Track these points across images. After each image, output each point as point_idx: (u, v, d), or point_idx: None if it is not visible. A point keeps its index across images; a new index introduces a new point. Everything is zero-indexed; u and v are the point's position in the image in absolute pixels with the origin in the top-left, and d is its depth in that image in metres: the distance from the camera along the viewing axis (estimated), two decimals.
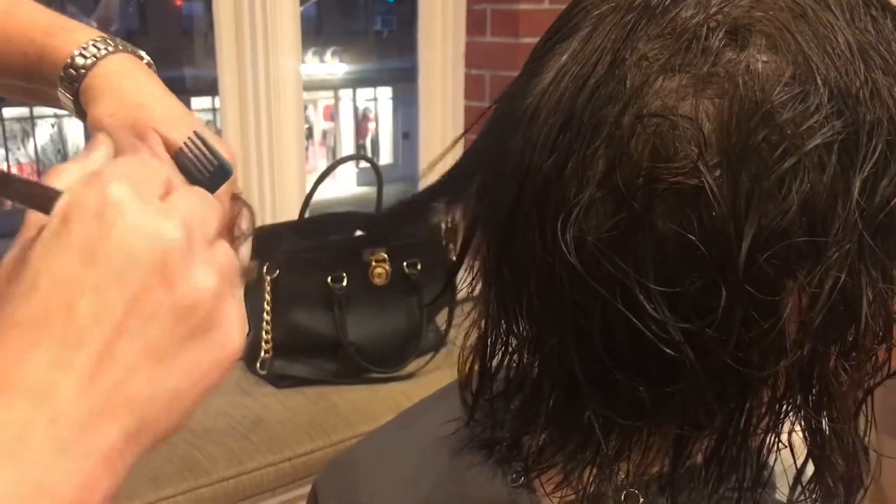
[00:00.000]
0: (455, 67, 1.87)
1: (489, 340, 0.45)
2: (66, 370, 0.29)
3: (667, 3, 0.39)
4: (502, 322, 0.44)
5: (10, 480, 0.28)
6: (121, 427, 0.31)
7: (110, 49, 0.54)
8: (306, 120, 1.53)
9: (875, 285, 0.38)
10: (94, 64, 0.53)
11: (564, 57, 0.40)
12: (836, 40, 0.37)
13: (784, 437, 0.42)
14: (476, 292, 0.47)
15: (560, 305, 0.40)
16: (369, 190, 1.50)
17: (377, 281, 1.39)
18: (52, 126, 10.09)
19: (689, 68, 0.37)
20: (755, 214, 0.35)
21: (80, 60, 0.53)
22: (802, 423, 0.41)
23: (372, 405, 1.34)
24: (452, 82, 1.87)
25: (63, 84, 0.54)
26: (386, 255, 1.38)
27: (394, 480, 0.53)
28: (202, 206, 0.34)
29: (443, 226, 1.44)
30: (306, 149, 1.69)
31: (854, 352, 0.39)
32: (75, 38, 0.54)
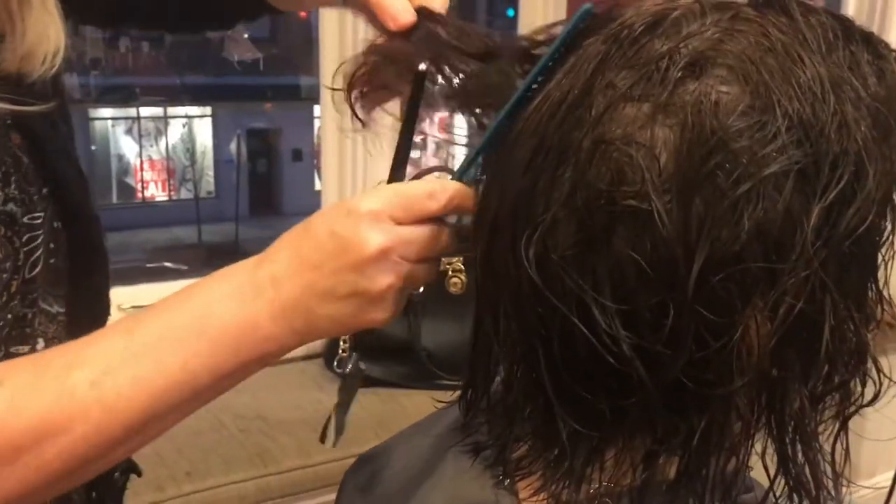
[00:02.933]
0: None
1: (480, 349, 0.48)
2: (290, 279, 0.52)
3: (637, 34, 0.41)
4: (489, 333, 0.47)
5: (239, 314, 0.52)
6: (300, 322, 0.52)
7: None
8: (421, 131, 1.57)
9: (839, 314, 0.38)
10: None
11: (551, 84, 0.43)
12: (803, 74, 0.38)
13: (755, 457, 0.42)
14: None
15: (526, 317, 0.42)
16: None
17: (453, 290, 1.42)
18: (184, 126, 10.61)
19: (649, 97, 0.39)
20: (707, 238, 0.37)
21: None
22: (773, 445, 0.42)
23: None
24: None
25: None
26: (463, 266, 1.42)
27: (405, 478, 0.56)
28: (415, 239, 0.52)
29: None
30: (419, 159, 1.74)
31: (818, 379, 0.40)
32: None
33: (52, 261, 0.66)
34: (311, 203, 11.02)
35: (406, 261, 0.52)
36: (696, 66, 0.39)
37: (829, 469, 0.42)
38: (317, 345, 1.47)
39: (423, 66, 0.56)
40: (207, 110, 10.08)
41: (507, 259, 0.42)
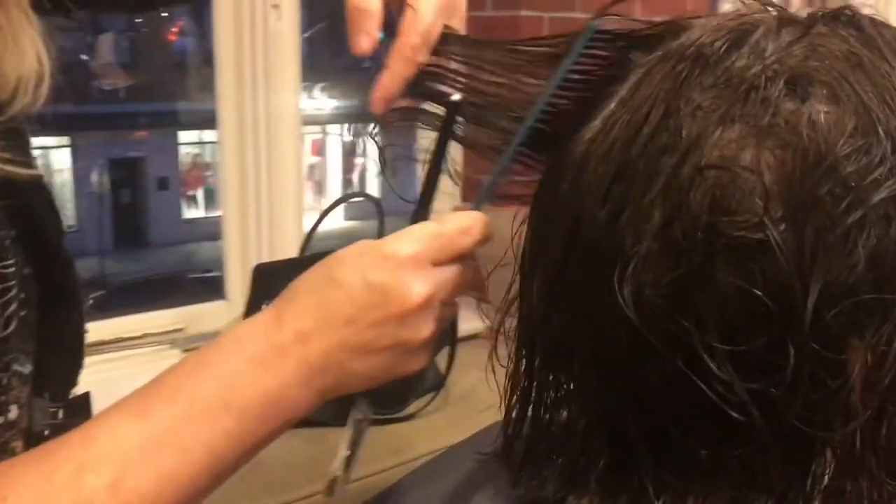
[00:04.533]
0: None
1: (536, 395, 0.44)
2: (319, 336, 0.48)
3: (720, 52, 0.38)
4: (549, 376, 0.43)
5: (264, 384, 0.48)
6: (331, 381, 0.49)
7: None
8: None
9: None
10: None
11: (613, 104, 0.40)
12: (893, 90, 0.37)
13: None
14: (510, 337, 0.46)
15: (615, 361, 0.38)
16: (356, 224, 1.48)
17: None
18: (40, 159, 10.04)
19: (748, 119, 0.36)
20: (820, 270, 0.34)
21: None
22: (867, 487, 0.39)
23: (371, 447, 1.31)
24: None
25: None
26: None
27: None
28: (453, 279, 0.50)
29: None
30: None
31: None
32: None
33: (22, 313, 0.57)
34: (180, 232, 10.68)
35: (442, 304, 0.50)
36: (794, 85, 0.37)
37: None
38: None
39: (456, 97, 0.52)
40: (65, 140, 9.60)
41: (586, 298, 0.38)
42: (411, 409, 1.39)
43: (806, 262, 0.34)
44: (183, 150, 10.49)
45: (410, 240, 0.49)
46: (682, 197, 0.36)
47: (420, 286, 0.47)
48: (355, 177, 12.59)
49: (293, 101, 1.63)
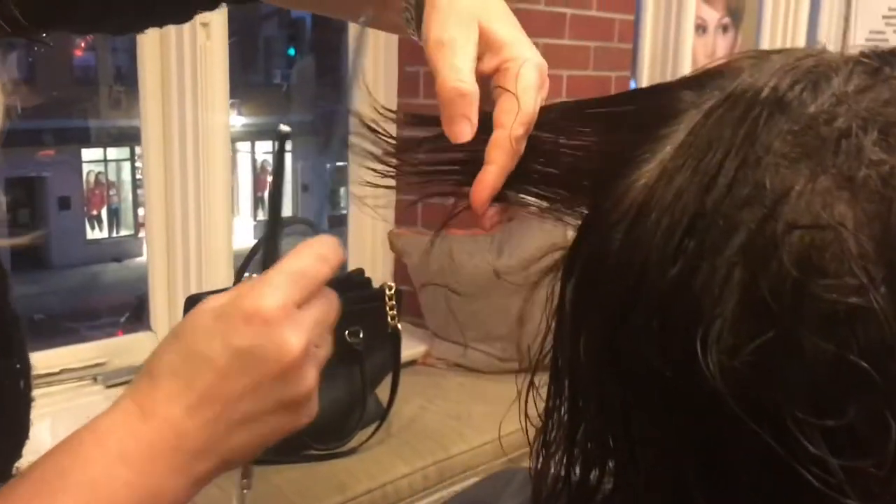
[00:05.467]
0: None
1: (583, 460, 0.40)
2: (192, 419, 0.43)
3: (802, 97, 0.35)
4: (599, 442, 0.39)
5: (136, 484, 0.42)
6: (213, 463, 0.44)
7: None
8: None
9: None
10: None
11: (669, 148, 0.36)
12: None
13: None
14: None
15: (685, 430, 0.35)
16: None
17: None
18: None
19: (839, 170, 0.33)
20: None
21: None
22: None
23: (314, 484, 1.25)
24: None
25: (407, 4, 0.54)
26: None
27: None
28: (326, 314, 0.46)
29: (386, 291, 1.38)
30: None
31: None
32: None
33: None
34: (84, 253, 10.24)
35: (317, 346, 0.46)
36: (887, 134, 0.34)
37: None
38: None
39: (285, 128, 0.52)
40: None
41: (652, 362, 0.34)
42: (353, 442, 1.33)
43: None
44: (86, 168, 10.10)
45: (270, 289, 0.44)
46: (769, 254, 0.32)
47: (295, 337, 0.44)
48: (266, 196, 12.30)
49: (222, 119, 1.57)
